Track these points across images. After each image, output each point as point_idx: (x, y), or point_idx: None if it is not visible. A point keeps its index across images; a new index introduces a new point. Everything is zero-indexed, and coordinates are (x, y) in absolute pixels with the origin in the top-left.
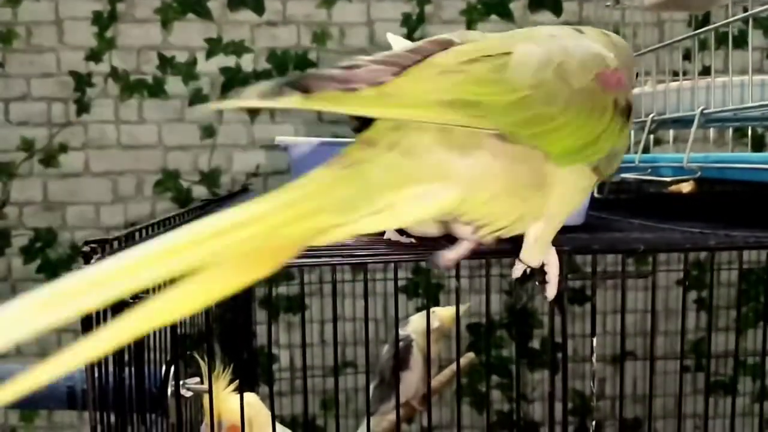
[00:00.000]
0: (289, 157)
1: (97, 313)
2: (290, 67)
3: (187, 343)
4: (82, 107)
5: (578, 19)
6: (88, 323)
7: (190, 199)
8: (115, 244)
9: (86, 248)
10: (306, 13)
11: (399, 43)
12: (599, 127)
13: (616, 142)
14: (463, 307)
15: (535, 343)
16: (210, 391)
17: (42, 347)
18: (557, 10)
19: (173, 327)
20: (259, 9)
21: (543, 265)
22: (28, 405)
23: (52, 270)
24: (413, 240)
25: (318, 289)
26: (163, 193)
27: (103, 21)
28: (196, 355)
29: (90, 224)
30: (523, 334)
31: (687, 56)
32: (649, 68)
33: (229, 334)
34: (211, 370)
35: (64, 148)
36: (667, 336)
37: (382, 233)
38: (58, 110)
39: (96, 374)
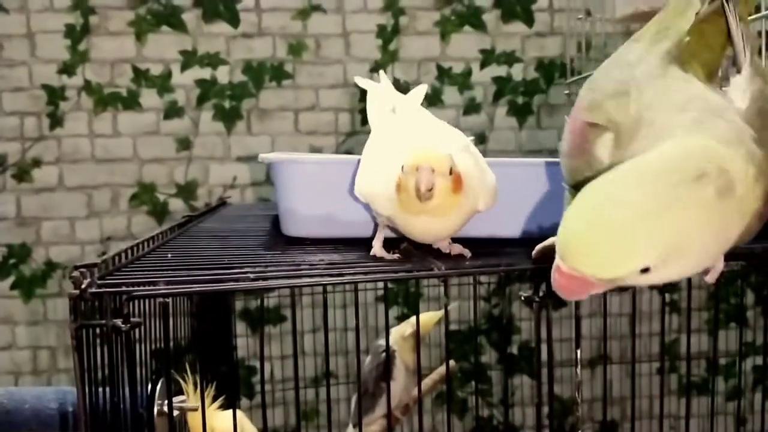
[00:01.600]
0: (276, 174)
1: (88, 334)
2: (266, 79)
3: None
4: (56, 121)
5: (550, 30)
6: (80, 345)
7: (167, 212)
8: (103, 267)
9: (76, 273)
10: (281, 25)
11: (370, 86)
12: None
13: None
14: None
15: (514, 349)
16: (203, 409)
17: (17, 365)
18: (529, 22)
19: (166, 344)
20: (234, 21)
21: None
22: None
23: (26, 287)
24: (398, 255)
25: (298, 300)
26: (139, 206)
27: (76, 34)
28: (176, 375)
29: (65, 239)
30: (501, 340)
31: None
32: None
33: (210, 348)
34: (201, 388)
35: (37, 162)
36: (642, 338)
37: (369, 248)
38: (30, 124)
39: (87, 395)
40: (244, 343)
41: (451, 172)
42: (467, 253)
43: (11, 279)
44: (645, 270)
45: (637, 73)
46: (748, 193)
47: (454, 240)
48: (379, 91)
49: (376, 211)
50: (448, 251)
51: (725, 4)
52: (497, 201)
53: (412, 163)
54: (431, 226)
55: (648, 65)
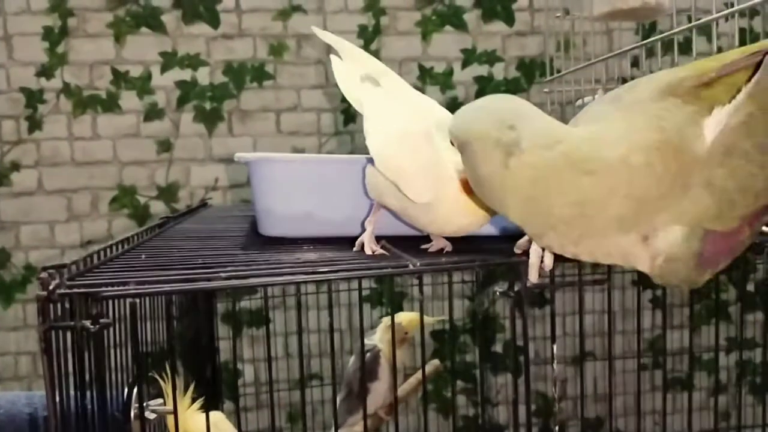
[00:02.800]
0: (252, 173)
1: (57, 336)
2: (247, 80)
3: (148, 362)
4: (34, 124)
5: (530, 29)
6: (48, 347)
7: (148, 215)
8: (73, 268)
9: (44, 274)
10: (262, 26)
11: (335, 42)
12: None
13: None
14: (431, 319)
15: (498, 348)
16: (175, 411)
17: (16, 371)
18: (509, 21)
19: (135, 346)
20: (214, 22)
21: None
22: None
23: (5, 291)
24: (384, 252)
25: (281, 302)
26: (119, 209)
27: (54, 36)
28: (156, 376)
29: (45, 244)
30: (485, 339)
31: (635, 63)
32: (599, 76)
33: (192, 351)
34: (174, 389)
35: (16, 166)
36: (625, 335)
37: (353, 244)
38: (9, 128)
39: (57, 399)
40: (227, 345)
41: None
42: (449, 247)
43: None
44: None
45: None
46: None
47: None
48: (352, 52)
49: (405, 195)
50: (433, 245)
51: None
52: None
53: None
54: (469, 222)
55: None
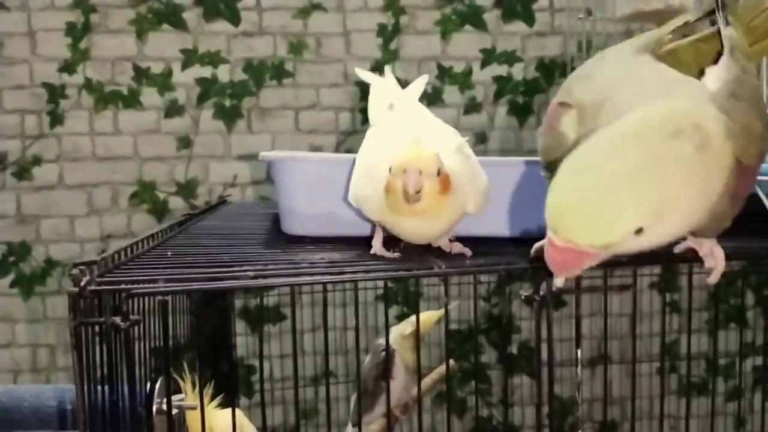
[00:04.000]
0: (277, 173)
1: (87, 332)
2: (267, 78)
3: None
4: (56, 119)
5: (551, 29)
6: (79, 343)
7: (167, 210)
8: (103, 265)
9: (75, 270)
10: (282, 24)
11: (370, 78)
12: None
13: None
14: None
15: (514, 349)
16: (202, 408)
17: (16, 363)
18: (530, 21)
19: (165, 342)
20: (235, 20)
21: None
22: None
23: (26, 285)
24: (398, 254)
25: (298, 299)
26: (139, 205)
27: (77, 32)
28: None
29: (64, 237)
30: (502, 340)
31: None
32: None
33: (209, 347)
34: (200, 386)
35: (37, 160)
36: (642, 339)
37: (370, 246)
38: (31, 122)
39: (86, 393)
40: (243, 341)
41: (439, 173)
42: (467, 252)
43: (11, 277)
44: (638, 231)
45: (607, 57)
46: (723, 148)
47: (456, 239)
48: (381, 85)
49: (367, 214)
50: (448, 250)
51: (718, 12)
52: (486, 203)
53: (399, 164)
54: (420, 228)
55: (620, 52)
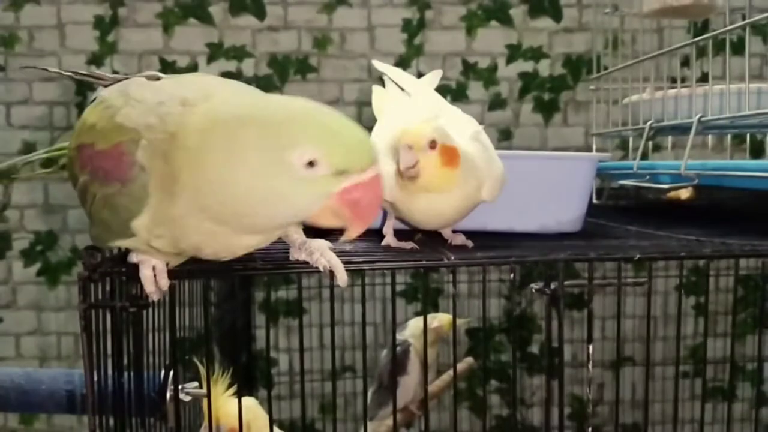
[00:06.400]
0: None
1: (97, 317)
2: (291, 72)
3: (185, 346)
4: (84, 111)
5: (578, 25)
6: (88, 326)
7: None
8: (115, 249)
9: (86, 254)
10: (307, 19)
11: (387, 70)
12: None
13: None
14: (462, 321)
15: (534, 348)
16: (209, 396)
17: (42, 350)
18: (557, 17)
19: (172, 331)
20: (260, 14)
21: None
22: (28, 408)
23: (52, 272)
24: (415, 245)
25: (317, 293)
26: None
27: (105, 25)
28: (195, 360)
29: None
30: (521, 339)
31: (686, 63)
32: (648, 75)
33: (228, 337)
34: (209, 375)
35: None
36: (666, 341)
37: (382, 237)
38: (59, 114)
39: (95, 378)
40: (263, 334)
41: (434, 146)
42: (469, 243)
43: (38, 265)
44: None
45: None
46: None
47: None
48: (398, 77)
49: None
50: (449, 241)
51: None
52: (501, 192)
53: (392, 145)
54: (433, 205)
55: None
